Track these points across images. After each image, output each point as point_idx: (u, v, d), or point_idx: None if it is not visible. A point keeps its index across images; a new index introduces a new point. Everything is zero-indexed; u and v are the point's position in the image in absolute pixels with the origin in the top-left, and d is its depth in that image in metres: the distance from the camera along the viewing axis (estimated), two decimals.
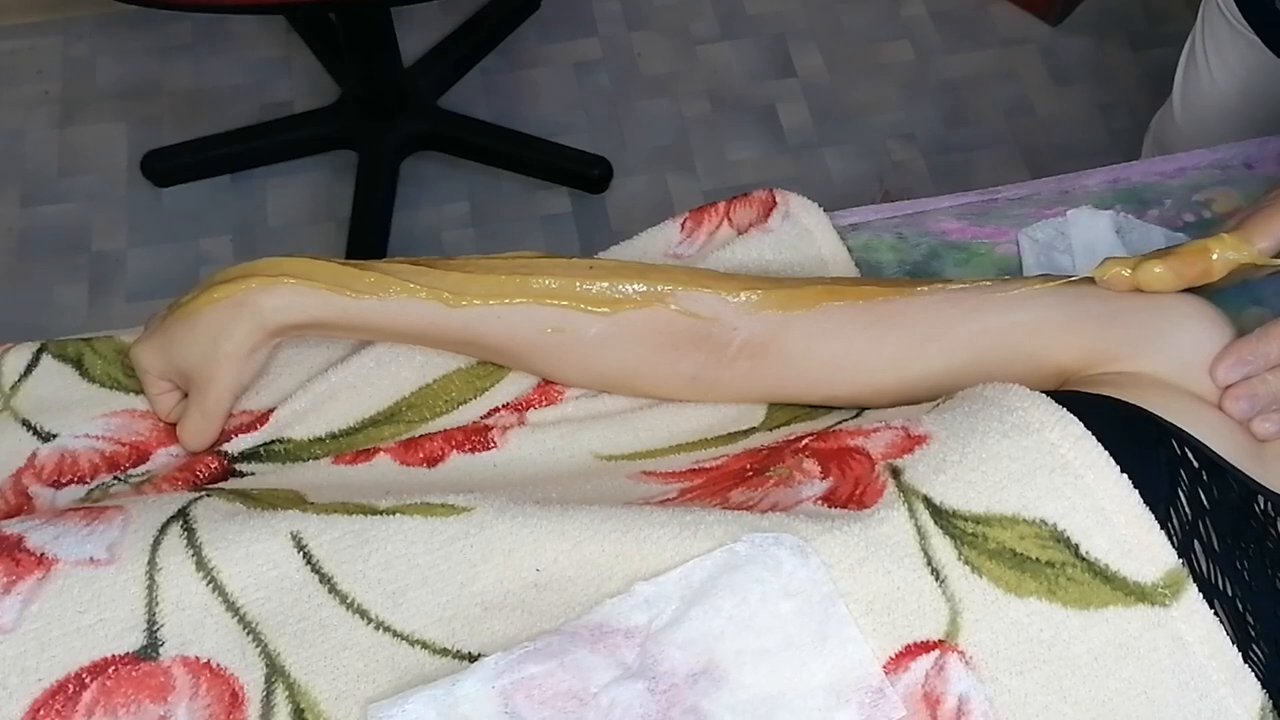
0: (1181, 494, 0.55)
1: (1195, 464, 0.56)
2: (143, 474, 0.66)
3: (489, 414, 0.69)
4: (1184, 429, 0.57)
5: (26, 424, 0.67)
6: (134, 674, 0.51)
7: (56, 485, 0.65)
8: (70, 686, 0.50)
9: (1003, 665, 0.51)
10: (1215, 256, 0.64)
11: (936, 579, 0.52)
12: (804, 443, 0.61)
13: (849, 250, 0.77)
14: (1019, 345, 0.64)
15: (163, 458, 0.67)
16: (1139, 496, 0.53)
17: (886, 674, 0.51)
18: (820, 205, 0.78)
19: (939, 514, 0.53)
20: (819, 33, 1.83)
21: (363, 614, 0.53)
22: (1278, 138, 0.87)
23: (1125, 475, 0.53)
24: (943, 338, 0.65)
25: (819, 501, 0.56)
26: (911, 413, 0.61)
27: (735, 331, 0.66)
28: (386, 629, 0.53)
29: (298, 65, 1.77)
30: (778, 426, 0.69)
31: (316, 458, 0.67)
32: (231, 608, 0.53)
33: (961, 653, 0.51)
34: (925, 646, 0.52)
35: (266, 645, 0.52)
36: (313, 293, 0.63)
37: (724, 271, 0.71)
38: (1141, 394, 0.58)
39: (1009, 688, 0.51)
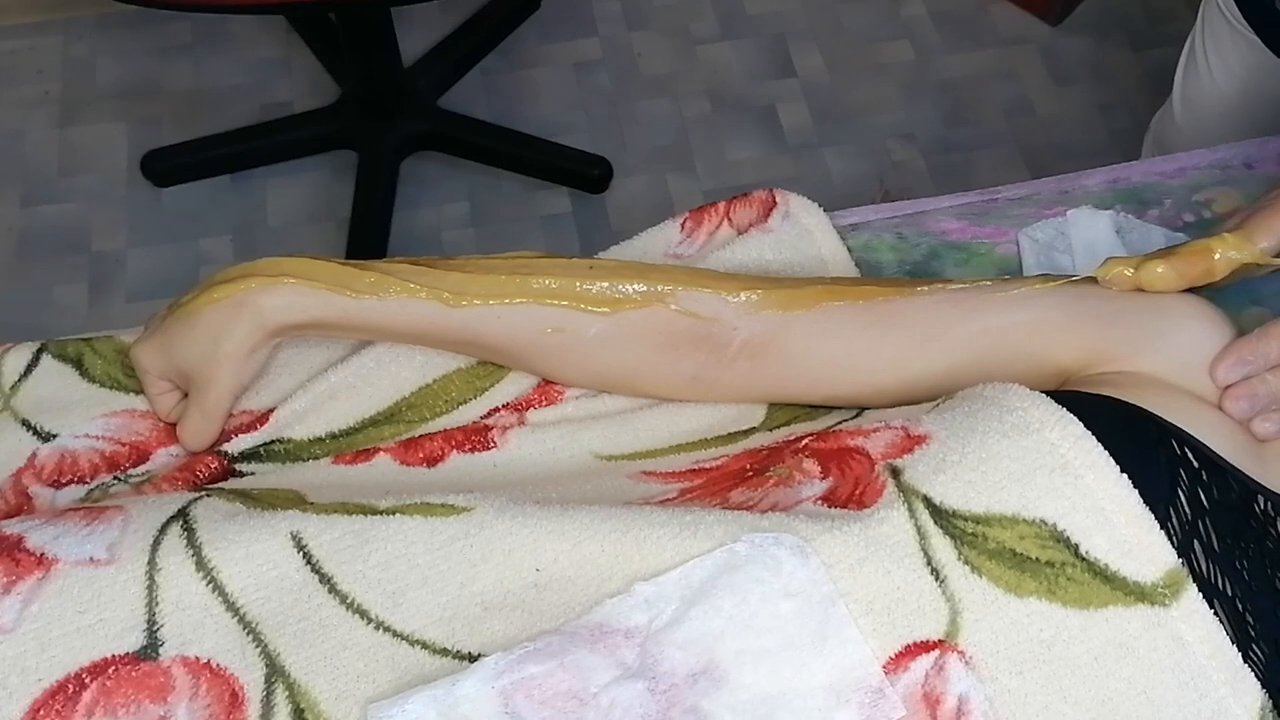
0: (1181, 494, 0.55)
1: (1195, 464, 0.56)
2: (143, 474, 0.66)
3: (489, 414, 0.69)
4: (1184, 429, 0.57)
5: (26, 424, 0.67)
6: (134, 674, 0.51)
7: (56, 485, 0.65)
8: (70, 687, 0.50)
9: (1003, 665, 0.51)
10: (1218, 256, 0.64)
11: (936, 579, 0.52)
12: (804, 443, 0.61)
13: (849, 250, 0.77)
14: (1019, 345, 0.64)
15: (163, 458, 0.67)
16: (1139, 496, 0.53)
17: (886, 674, 0.51)
18: (820, 205, 0.78)
19: (939, 514, 0.53)
20: (819, 33, 1.83)
21: (363, 614, 0.53)
22: (1278, 138, 0.87)
23: (1125, 475, 0.53)
24: (943, 338, 0.65)
25: (819, 501, 0.56)
26: (911, 413, 0.61)
27: (735, 331, 0.66)
28: (386, 629, 0.52)
29: (298, 65, 1.77)
30: (778, 427, 0.69)
31: (316, 458, 0.67)
32: (231, 608, 0.53)
33: (961, 653, 0.51)
34: (925, 646, 0.52)
35: (266, 645, 0.52)
36: (313, 293, 0.63)
37: (724, 271, 0.71)
38: (1141, 394, 0.58)
39: (1009, 688, 0.51)
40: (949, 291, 0.66)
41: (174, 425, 0.67)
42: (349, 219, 1.58)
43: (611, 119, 1.74)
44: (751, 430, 0.69)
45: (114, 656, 0.51)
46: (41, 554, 0.53)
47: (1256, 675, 0.52)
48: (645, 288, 0.65)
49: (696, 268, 0.70)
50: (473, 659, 0.52)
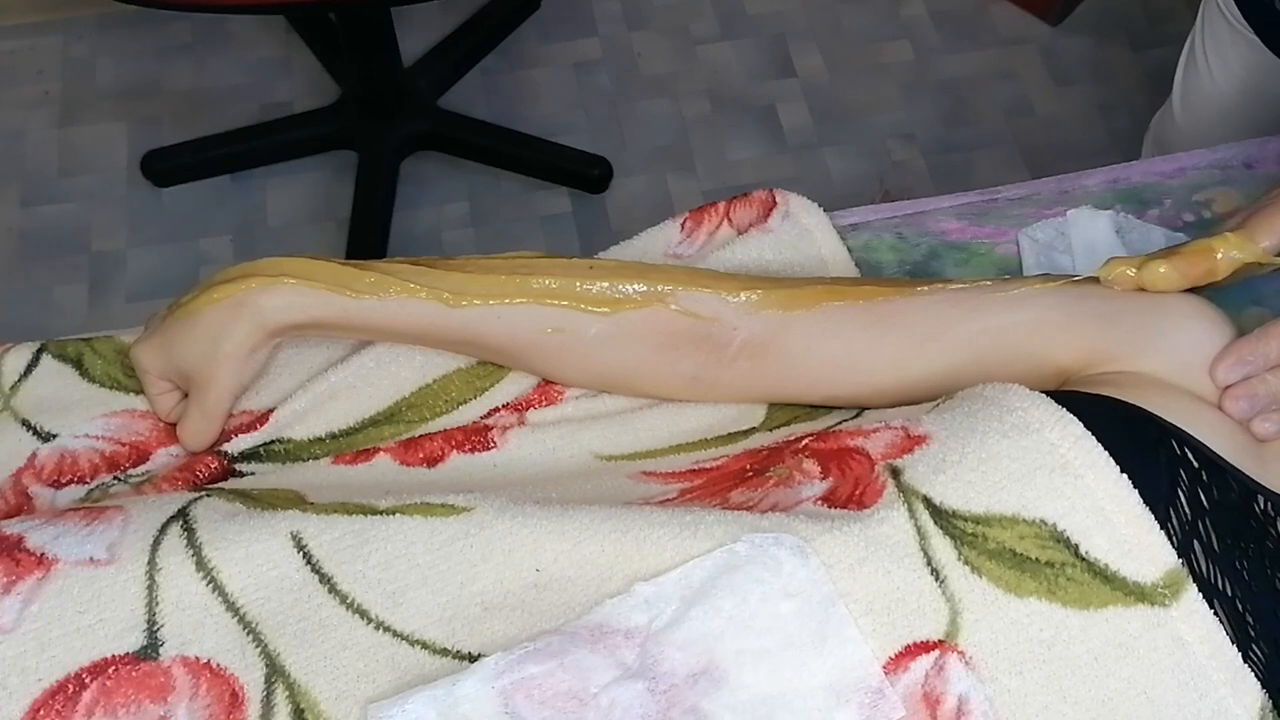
0: (1181, 494, 0.55)
1: (1195, 464, 0.56)
2: (143, 474, 0.66)
3: (489, 414, 0.69)
4: (1184, 429, 0.57)
5: (26, 424, 0.67)
6: (134, 674, 0.51)
7: (56, 485, 0.65)
8: (70, 686, 0.50)
9: (1002, 665, 0.51)
10: (1220, 255, 0.64)
11: (936, 579, 0.52)
12: (804, 443, 0.61)
13: (849, 250, 0.77)
14: (1019, 345, 0.64)
15: (163, 458, 0.67)
16: (1139, 496, 0.53)
17: (886, 674, 0.51)
18: (820, 205, 0.78)
19: (939, 514, 0.53)
20: (819, 33, 1.83)
21: (363, 614, 0.53)
22: (1278, 138, 0.87)
23: (1125, 475, 0.53)
24: (943, 338, 0.65)
25: (819, 502, 0.56)
26: (911, 413, 0.61)
27: (735, 331, 0.66)
28: (386, 629, 0.52)
29: (298, 65, 1.77)
30: (778, 427, 0.69)
31: (316, 458, 0.67)
32: (231, 608, 0.53)
33: (961, 653, 0.51)
34: (925, 646, 0.51)
35: (266, 645, 0.52)
36: (313, 293, 0.63)
37: (724, 271, 0.71)
38: (1141, 394, 0.58)
39: (1009, 688, 0.51)
40: (949, 291, 0.66)
41: (174, 425, 0.67)
42: (349, 219, 1.58)
43: (611, 119, 1.74)
44: (751, 430, 0.69)
45: (114, 656, 0.51)
46: (41, 554, 0.53)
47: (1256, 675, 0.52)
48: (645, 288, 0.65)
49: (696, 268, 0.70)
50: (473, 659, 0.52)
